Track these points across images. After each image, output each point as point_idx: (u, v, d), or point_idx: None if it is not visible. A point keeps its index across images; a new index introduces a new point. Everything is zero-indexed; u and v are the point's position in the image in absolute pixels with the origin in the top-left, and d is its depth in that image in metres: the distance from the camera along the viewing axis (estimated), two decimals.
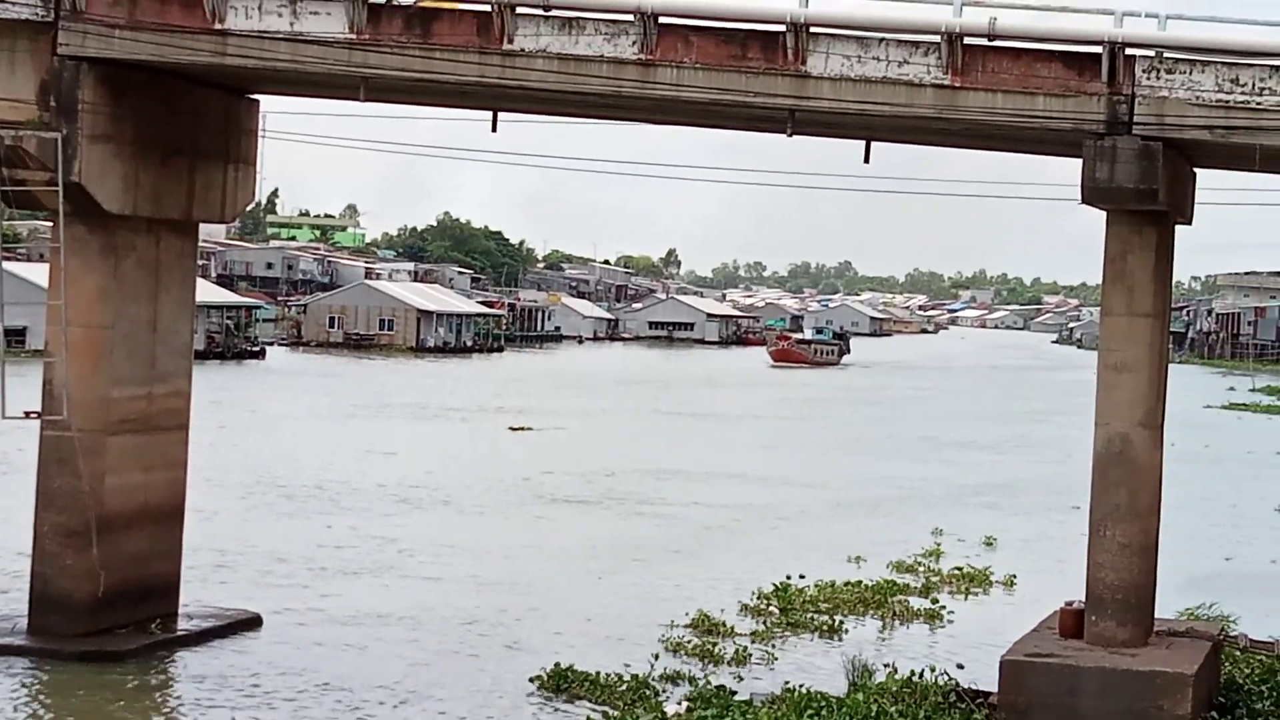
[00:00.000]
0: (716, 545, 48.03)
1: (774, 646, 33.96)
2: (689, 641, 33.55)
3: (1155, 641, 28.14)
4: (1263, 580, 45.31)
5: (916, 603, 38.92)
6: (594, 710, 28.11)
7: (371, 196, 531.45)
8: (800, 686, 28.41)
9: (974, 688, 28.34)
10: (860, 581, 40.12)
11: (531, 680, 29.85)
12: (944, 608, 38.56)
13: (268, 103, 34.55)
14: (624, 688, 29.07)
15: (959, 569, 43.36)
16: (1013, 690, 26.47)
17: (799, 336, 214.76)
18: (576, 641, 33.59)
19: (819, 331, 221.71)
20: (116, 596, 30.93)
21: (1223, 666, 29.57)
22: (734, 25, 28.27)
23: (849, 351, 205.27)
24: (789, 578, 39.58)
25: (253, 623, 33.50)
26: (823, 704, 27.11)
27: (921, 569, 43.72)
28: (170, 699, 28.31)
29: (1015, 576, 42.80)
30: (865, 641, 34.79)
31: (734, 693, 28.41)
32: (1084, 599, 28.30)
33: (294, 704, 28.05)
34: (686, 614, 35.88)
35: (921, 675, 28.69)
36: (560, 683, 29.55)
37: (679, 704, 27.66)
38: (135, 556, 31.40)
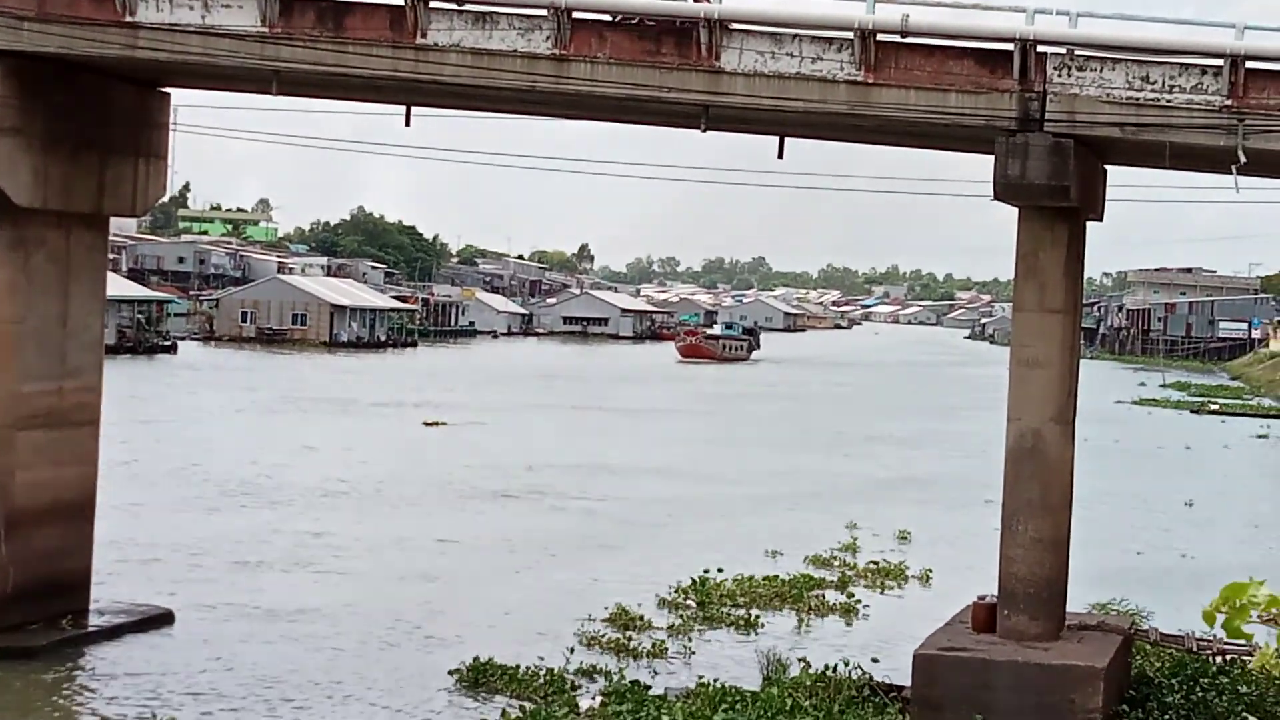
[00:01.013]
0: (634, 539, 48.08)
1: (691, 641, 34.01)
2: (606, 635, 33.60)
3: (1067, 635, 28.29)
4: (1173, 574, 45.64)
5: (833, 597, 39.06)
6: (510, 704, 28.07)
7: (284, 191, 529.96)
8: (715, 681, 28.45)
9: (887, 682, 28.48)
10: (777, 576, 40.24)
11: (450, 674, 29.88)
12: (859, 602, 38.70)
13: (179, 95, 34.37)
14: (540, 681, 29.09)
15: (875, 563, 43.55)
16: (925, 684, 26.56)
17: (708, 332, 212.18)
18: (495, 635, 33.58)
19: (729, 327, 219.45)
20: (27, 592, 30.67)
21: (1134, 660, 29.76)
22: (649, 20, 28.25)
23: (759, 347, 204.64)
24: (706, 571, 39.65)
25: (165, 618, 33.33)
26: (737, 698, 27.15)
27: (837, 563, 43.88)
28: (82, 695, 28.10)
29: (931, 570, 42.98)
30: (781, 636, 34.91)
31: (648, 687, 28.41)
32: (996, 593, 28.45)
33: (205, 698, 27.91)
34: (605, 608, 35.92)
35: (835, 669, 28.81)
36: (479, 676, 29.59)
37: (593, 699, 27.65)
38: (45, 552, 31.14)
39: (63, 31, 29.02)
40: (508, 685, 29.11)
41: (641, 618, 35.36)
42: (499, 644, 32.19)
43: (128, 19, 28.85)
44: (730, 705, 26.76)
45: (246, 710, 27.52)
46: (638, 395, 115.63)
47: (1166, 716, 27.15)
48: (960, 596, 31.97)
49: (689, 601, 37.49)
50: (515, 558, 43.65)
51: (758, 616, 36.42)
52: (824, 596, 38.96)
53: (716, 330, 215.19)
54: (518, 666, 29.77)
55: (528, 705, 27.70)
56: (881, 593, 40.69)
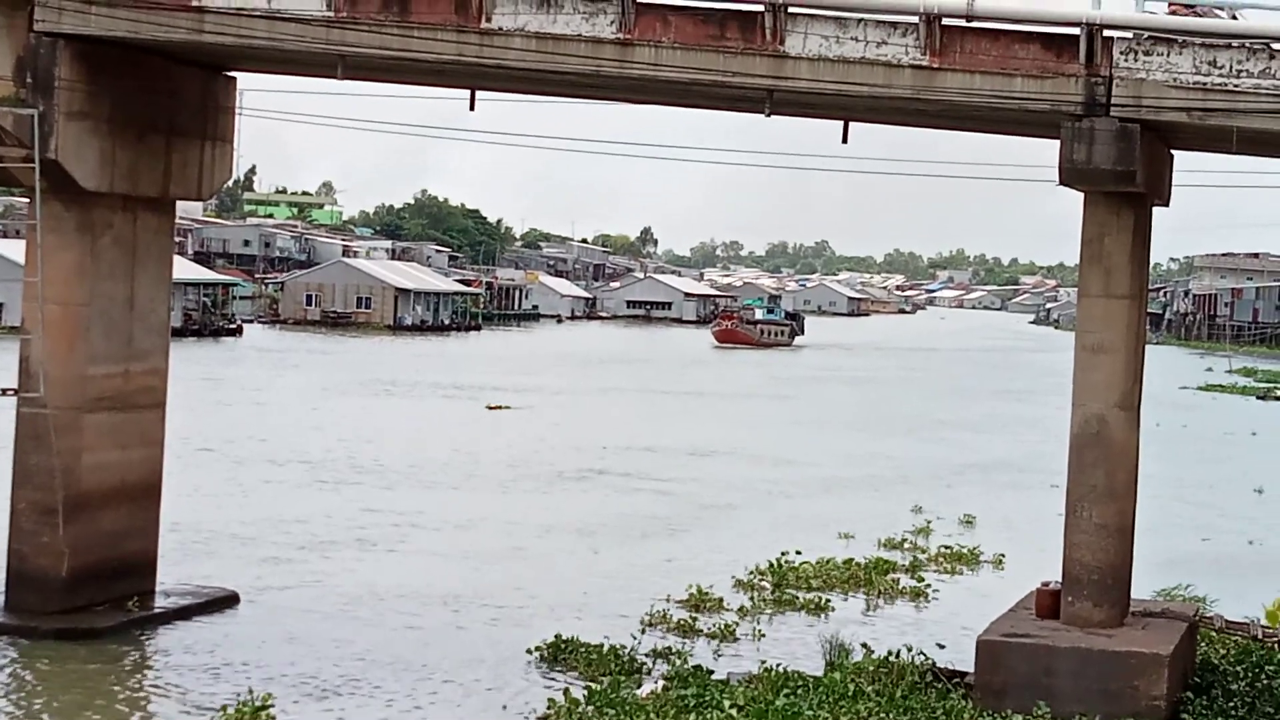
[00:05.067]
0: (709, 521, 48.37)
1: (760, 624, 34.06)
2: (679, 617, 33.77)
3: (1131, 622, 28.19)
4: (1239, 561, 45.41)
5: (904, 581, 39.04)
6: (575, 683, 28.05)
7: (349, 174, 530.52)
8: (778, 665, 28.44)
9: (951, 668, 28.40)
10: (852, 560, 40.24)
11: (529, 652, 30.05)
12: (929, 586, 38.67)
13: (245, 80, 34.48)
14: (613, 662, 29.24)
15: (947, 548, 43.48)
16: (989, 670, 26.51)
17: (746, 316, 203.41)
18: (573, 615, 33.83)
19: (769, 311, 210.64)
20: (93, 574, 30.88)
21: (1199, 647, 29.63)
22: (712, 5, 28.25)
23: (801, 332, 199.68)
24: (785, 554, 39.62)
25: (231, 600, 33.48)
26: (800, 683, 27.14)
27: (908, 546, 43.94)
28: (145, 675, 28.25)
29: (1003, 556, 42.90)
30: (850, 620, 34.95)
31: (711, 672, 28.42)
32: (1060, 579, 28.36)
33: (272, 678, 27.77)
34: (686, 588, 36.02)
35: (899, 655, 28.73)
36: (558, 654, 29.85)
37: (656, 682, 27.66)
38: (112, 534, 31.34)
39: (130, 15, 29.15)
40: (584, 664, 29.26)
41: (717, 599, 35.58)
42: (578, 623, 32.37)
43: (194, 3, 28.97)
44: (792, 690, 26.74)
45: (316, 689, 27.56)
46: (708, 378, 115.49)
47: (1231, 704, 26.99)
48: (1029, 582, 31.87)
49: (764, 583, 37.60)
50: (594, 539, 43.90)
51: (828, 600, 36.45)
52: (897, 580, 38.94)
53: (757, 314, 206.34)
54: (600, 645, 29.95)
55: (594, 686, 27.73)
56: (952, 577, 40.63)
